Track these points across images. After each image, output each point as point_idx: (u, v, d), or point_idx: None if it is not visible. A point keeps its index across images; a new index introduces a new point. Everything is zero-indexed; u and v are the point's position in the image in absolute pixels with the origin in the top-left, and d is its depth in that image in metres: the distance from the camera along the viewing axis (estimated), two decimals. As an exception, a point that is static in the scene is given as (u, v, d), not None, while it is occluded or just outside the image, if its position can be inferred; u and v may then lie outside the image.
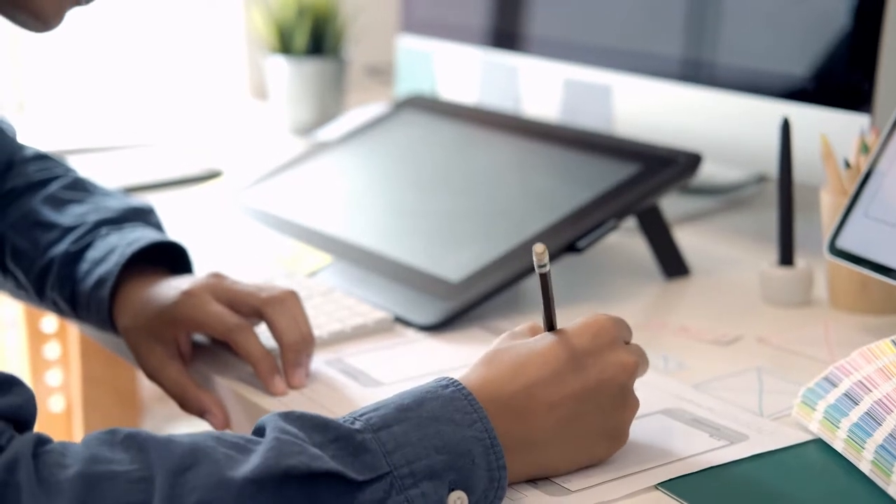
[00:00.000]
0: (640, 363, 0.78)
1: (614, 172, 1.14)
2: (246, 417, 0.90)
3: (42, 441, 0.66)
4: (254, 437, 0.69)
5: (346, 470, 0.67)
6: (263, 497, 0.65)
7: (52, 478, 0.63)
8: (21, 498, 0.62)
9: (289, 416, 0.70)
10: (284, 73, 1.72)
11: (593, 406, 0.75)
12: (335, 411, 0.86)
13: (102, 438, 0.67)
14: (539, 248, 0.75)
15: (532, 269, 1.05)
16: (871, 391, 0.77)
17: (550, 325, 0.78)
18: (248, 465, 0.66)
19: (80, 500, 0.63)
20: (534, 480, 0.75)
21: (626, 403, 0.76)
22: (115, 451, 0.66)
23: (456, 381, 0.73)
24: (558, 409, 0.74)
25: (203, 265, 1.03)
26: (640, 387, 0.88)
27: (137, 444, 0.66)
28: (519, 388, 0.73)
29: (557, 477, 0.75)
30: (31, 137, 1.36)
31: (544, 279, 0.76)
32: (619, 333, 0.78)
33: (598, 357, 0.75)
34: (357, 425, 0.69)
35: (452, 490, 0.69)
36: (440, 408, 0.71)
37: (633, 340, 0.99)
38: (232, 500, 0.65)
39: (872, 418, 0.76)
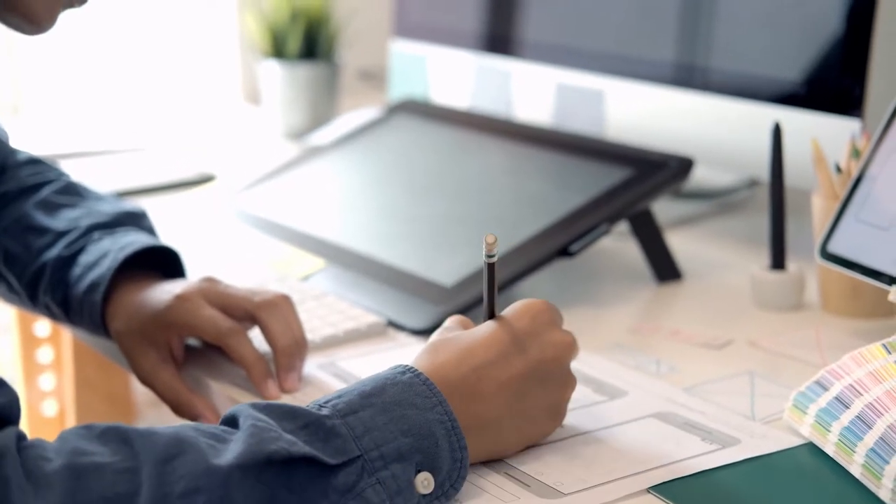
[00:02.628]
0: (574, 344, 0.81)
1: (607, 177, 1.14)
2: (239, 421, 0.90)
3: (21, 436, 0.66)
4: (227, 428, 0.70)
5: (320, 454, 0.68)
6: (247, 482, 0.66)
7: (39, 471, 0.64)
8: (10, 491, 0.62)
9: (258, 406, 0.71)
10: (277, 78, 1.73)
11: (537, 384, 0.78)
12: (328, 415, 0.86)
13: (80, 433, 0.67)
14: (490, 238, 0.78)
15: (524, 273, 1.06)
16: (862, 395, 0.78)
17: (491, 314, 0.81)
18: (231, 453, 0.67)
19: (69, 492, 0.63)
20: (526, 483, 0.75)
21: (566, 381, 0.80)
22: (94, 444, 0.66)
23: (412, 367, 0.76)
24: (506, 389, 0.77)
25: (196, 269, 1.03)
26: (632, 391, 0.89)
27: (119, 436, 0.67)
28: (468, 371, 0.76)
29: (508, 456, 0.78)
30: (26, 141, 1.36)
31: (491, 269, 0.80)
32: (554, 315, 0.81)
33: (538, 338, 0.79)
34: (325, 411, 0.71)
35: (419, 471, 0.71)
36: (401, 393, 0.73)
37: (626, 343, 0.99)
38: (219, 487, 0.65)
39: (863, 422, 0.76)
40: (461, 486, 0.73)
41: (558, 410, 0.80)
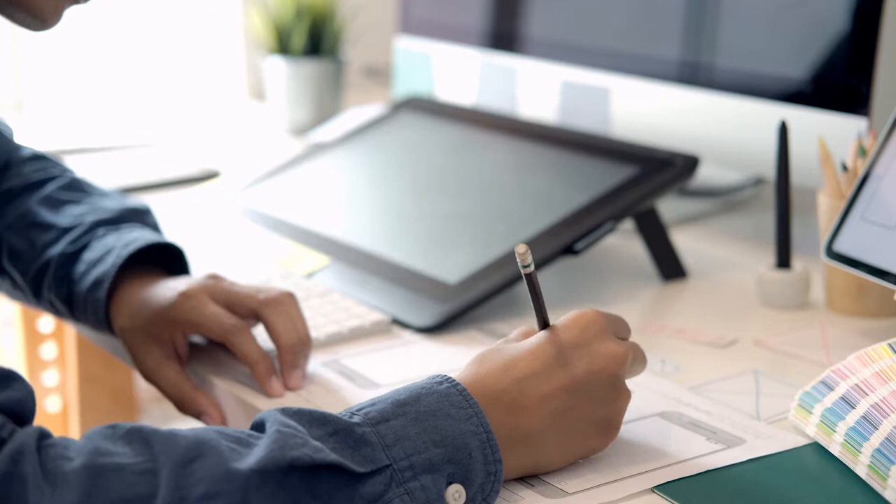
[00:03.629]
0: (632, 356, 0.78)
1: (612, 174, 1.14)
2: (243, 419, 0.90)
3: (44, 435, 0.66)
4: (254, 432, 0.69)
5: (347, 462, 0.67)
6: (268, 488, 0.65)
7: (58, 470, 0.63)
8: (27, 490, 0.62)
9: (287, 411, 0.70)
10: (282, 74, 1.72)
11: (584, 397, 0.75)
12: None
13: (104, 433, 0.67)
14: (521, 248, 0.75)
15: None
16: (867, 395, 0.77)
17: (544, 324, 0.78)
18: (253, 457, 0.66)
19: (86, 492, 0.63)
20: (530, 483, 0.75)
21: (617, 394, 0.77)
22: (117, 444, 0.66)
23: (450, 377, 0.74)
24: (549, 402, 0.74)
25: (200, 266, 1.03)
26: (636, 389, 0.89)
27: (141, 437, 0.66)
28: (510, 383, 0.74)
29: (551, 471, 0.76)
30: (30, 137, 1.36)
31: (530, 279, 0.77)
32: (607, 326, 0.78)
33: (587, 349, 0.76)
34: (356, 419, 0.70)
35: (450, 483, 0.70)
36: (436, 403, 0.71)
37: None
38: (238, 491, 0.65)
39: (869, 422, 0.76)
40: (494, 499, 0.71)
41: (610, 424, 0.77)
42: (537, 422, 0.74)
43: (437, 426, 0.70)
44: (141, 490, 0.64)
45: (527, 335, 0.80)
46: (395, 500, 0.68)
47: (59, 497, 0.62)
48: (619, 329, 0.80)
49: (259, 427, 0.70)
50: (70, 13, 0.82)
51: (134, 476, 0.64)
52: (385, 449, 0.69)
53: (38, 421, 0.69)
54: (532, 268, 0.76)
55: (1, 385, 0.67)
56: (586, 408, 0.75)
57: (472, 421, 0.71)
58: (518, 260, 0.75)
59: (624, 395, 0.77)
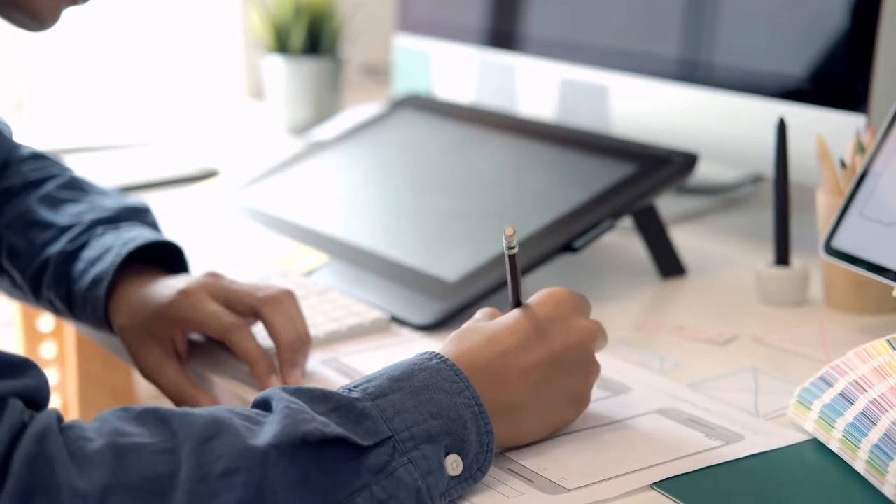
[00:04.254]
0: (599, 333, 0.82)
1: (610, 172, 1.14)
2: (242, 417, 0.90)
3: (59, 418, 0.67)
4: (260, 411, 0.71)
5: (352, 435, 0.69)
6: (283, 463, 0.67)
7: (82, 450, 0.64)
8: (55, 469, 0.63)
9: (288, 390, 0.72)
10: (281, 73, 1.72)
11: (561, 370, 0.79)
12: (331, 411, 0.86)
13: (118, 414, 0.68)
14: (509, 230, 0.79)
15: (528, 268, 1.05)
16: (866, 391, 0.77)
17: (517, 303, 0.82)
18: (268, 433, 0.68)
19: (112, 472, 0.64)
20: (530, 479, 0.75)
21: (590, 367, 0.81)
22: (132, 425, 0.67)
23: (438, 353, 0.77)
24: (531, 375, 0.78)
25: (199, 264, 1.03)
26: (636, 387, 0.89)
27: (157, 417, 0.68)
28: (493, 357, 0.77)
29: (529, 442, 0.79)
30: (29, 136, 1.36)
31: (512, 260, 0.81)
32: (578, 303, 0.82)
33: (562, 324, 0.80)
34: (355, 394, 0.72)
35: (448, 454, 0.72)
36: (429, 378, 0.74)
37: (630, 340, 0.99)
38: (257, 467, 0.66)
39: (867, 418, 0.76)
40: (488, 469, 0.74)
41: (581, 397, 0.81)
42: (520, 394, 0.77)
43: (432, 399, 0.73)
44: (163, 469, 0.65)
45: (493, 315, 0.83)
46: (399, 469, 0.70)
47: (87, 477, 0.63)
48: (584, 306, 0.83)
49: (263, 405, 0.72)
50: (68, 14, 0.82)
51: (155, 455, 0.65)
52: (386, 421, 0.71)
53: (38, 419, 0.69)
54: (516, 250, 0.80)
55: (19, 373, 0.67)
56: (563, 380, 0.79)
57: (464, 394, 0.74)
58: (504, 241, 0.79)
59: (595, 369, 0.82)
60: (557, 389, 0.79)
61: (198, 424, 0.67)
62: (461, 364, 0.76)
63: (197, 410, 0.69)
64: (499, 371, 0.77)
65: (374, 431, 0.70)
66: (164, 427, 0.67)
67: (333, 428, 0.69)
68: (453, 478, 0.72)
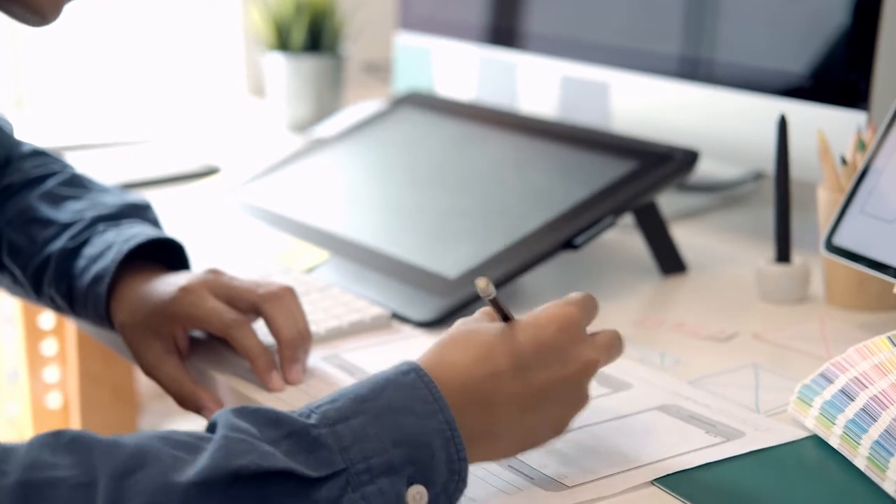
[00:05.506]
0: (603, 358, 0.77)
1: (611, 169, 1.14)
2: (243, 413, 0.90)
3: None
4: (206, 435, 0.67)
5: (299, 467, 0.65)
6: (211, 500, 0.63)
7: None
8: None
9: (242, 412, 0.68)
10: (282, 70, 1.72)
11: (551, 401, 0.74)
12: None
13: (46, 441, 0.65)
14: (481, 282, 0.73)
15: (529, 266, 1.06)
16: (866, 387, 0.78)
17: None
18: (195, 468, 0.64)
19: None
20: (529, 476, 0.75)
21: (579, 398, 0.76)
22: (57, 454, 0.64)
23: (417, 366, 0.71)
24: (519, 402, 0.72)
25: (200, 261, 1.03)
26: (637, 384, 0.89)
27: (82, 447, 0.64)
28: (485, 376, 0.72)
29: (497, 460, 0.75)
30: (30, 133, 1.36)
31: (494, 303, 0.75)
32: (583, 324, 0.77)
33: (563, 352, 0.74)
34: (313, 419, 0.68)
35: (412, 484, 0.67)
36: (400, 397, 0.69)
37: (631, 336, 0.99)
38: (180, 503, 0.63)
39: (868, 414, 0.76)
40: (458, 498, 0.70)
41: (563, 425, 0.76)
42: (503, 422, 0.72)
43: (398, 424, 0.68)
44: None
45: (492, 316, 0.78)
46: None
47: None
48: (589, 314, 0.78)
49: (213, 428, 0.68)
50: (69, 9, 0.82)
51: (71, 490, 0.62)
52: (342, 451, 0.67)
53: (40, 417, 0.69)
54: (494, 294, 0.74)
55: None
56: (549, 411, 0.74)
57: (436, 417, 0.69)
58: (480, 293, 0.74)
59: (584, 400, 0.76)
60: (541, 418, 0.74)
61: (121, 456, 0.64)
62: (445, 378, 0.71)
63: (126, 439, 0.66)
64: (487, 395, 0.72)
65: (327, 462, 0.66)
66: (86, 458, 0.64)
67: (276, 460, 0.65)
68: None
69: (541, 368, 0.73)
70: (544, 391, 0.73)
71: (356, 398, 0.69)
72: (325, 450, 0.66)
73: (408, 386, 0.70)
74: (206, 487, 0.63)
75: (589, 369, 0.75)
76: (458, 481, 0.69)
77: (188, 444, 0.66)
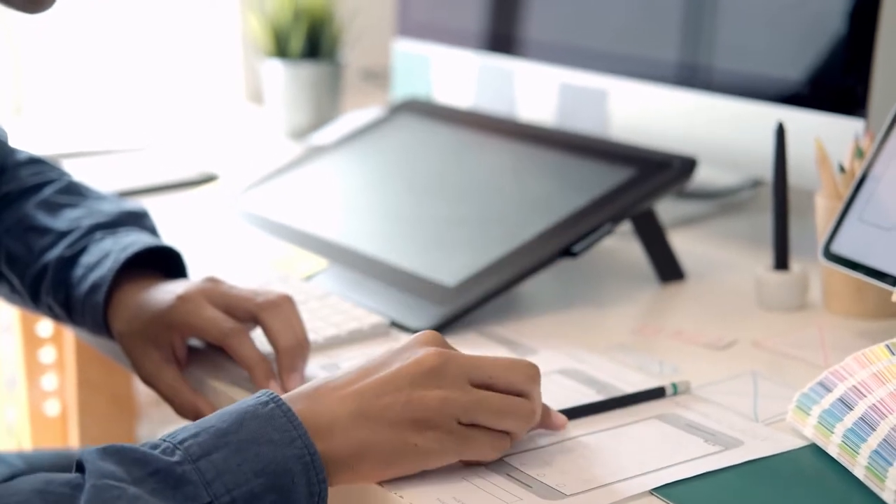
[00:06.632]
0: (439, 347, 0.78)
1: (610, 177, 1.14)
2: (241, 422, 0.90)
3: None
4: (78, 481, 0.69)
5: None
6: None
7: None
8: None
9: (108, 451, 0.70)
10: (280, 77, 1.72)
11: (390, 391, 0.75)
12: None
13: None
14: None
15: (527, 273, 1.05)
16: (865, 396, 0.77)
17: None
18: None
19: None
20: (528, 484, 0.75)
21: (425, 385, 0.75)
22: None
23: (275, 396, 0.74)
24: (351, 395, 0.75)
25: (198, 269, 1.03)
26: (635, 390, 0.88)
27: None
28: (321, 381, 0.76)
29: (388, 475, 0.75)
30: (28, 140, 1.36)
31: None
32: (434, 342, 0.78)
33: (403, 353, 0.77)
34: (176, 456, 0.70)
35: None
36: (259, 428, 0.72)
37: (629, 344, 0.99)
38: None
39: (867, 423, 0.76)
40: None
41: (425, 419, 0.75)
42: (339, 411, 0.74)
43: (258, 454, 0.71)
44: None
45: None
46: None
47: None
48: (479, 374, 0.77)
49: (81, 467, 0.70)
50: (64, 2, 0.82)
51: None
52: (206, 485, 0.69)
53: (38, 425, 0.69)
54: None
55: None
56: (390, 401, 0.75)
57: (295, 444, 0.72)
58: None
59: (433, 392, 0.75)
60: (386, 410, 0.75)
61: None
62: (301, 404, 0.74)
63: (14, 489, 0.67)
64: (316, 389, 0.75)
65: (194, 496, 0.69)
66: None
67: (145, 502, 0.68)
68: None
69: (378, 368, 0.76)
70: (379, 385, 0.75)
71: (217, 433, 0.72)
72: (191, 485, 0.69)
73: (266, 416, 0.73)
74: None
75: (424, 363, 0.76)
76: (318, 502, 0.72)
77: (63, 496, 0.68)
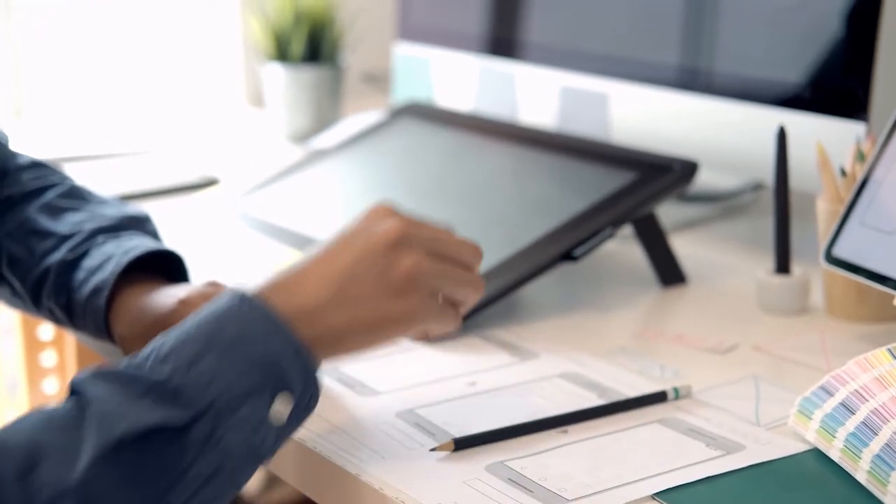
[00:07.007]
0: (407, 226, 0.80)
1: (611, 180, 1.14)
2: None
3: None
4: (79, 407, 0.71)
5: (168, 417, 0.70)
6: (106, 471, 0.68)
7: None
8: None
9: (99, 376, 0.72)
10: (281, 81, 1.72)
11: (364, 268, 0.78)
12: (332, 420, 0.86)
13: None
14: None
15: (528, 277, 1.05)
16: (867, 400, 0.77)
17: None
18: (86, 451, 0.68)
19: None
20: (529, 489, 0.75)
21: (398, 257, 0.78)
22: None
23: (243, 294, 0.76)
24: (327, 279, 0.78)
25: (200, 273, 1.03)
26: (636, 394, 0.89)
27: None
28: (297, 265, 0.79)
29: (372, 346, 0.79)
30: (29, 144, 1.36)
31: None
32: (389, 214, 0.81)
33: (365, 230, 0.80)
34: (166, 370, 0.72)
35: (276, 395, 0.73)
36: (241, 328, 0.74)
37: (630, 348, 0.99)
38: (82, 486, 0.67)
39: (869, 428, 0.76)
40: (319, 393, 0.76)
41: (402, 287, 0.78)
42: (317, 293, 0.77)
43: (245, 353, 0.73)
44: None
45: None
46: (226, 433, 0.71)
47: None
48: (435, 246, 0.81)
49: (75, 393, 0.72)
50: (67, 18, 0.82)
51: None
52: (203, 388, 0.71)
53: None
54: None
55: None
56: (367, 277, 0.78)
57: (280, 336, 0.74)
58: None
59: (404, 258, 0.79)
60: (362, 286, 0.78)
61: (18, 457, 0.68)
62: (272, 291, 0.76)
63: (14, 437, 0.69)
64: (294, 276, 0.78)
65: (192, 402, 0.71)
66: None
67: (146, 418, 0.70)
68: (282, 426, 0.73)
69: (347, 245, 0.79)
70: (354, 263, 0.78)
71: (205, 337, 0.74)
72: (186, 394, 0.71)
73: (244, 317, 0.75)
74: (101, 462, 0.68)
75: (389, 234, 0.79)
76: (313, 390, 0.75)
77: (68, 426, 0.70)
